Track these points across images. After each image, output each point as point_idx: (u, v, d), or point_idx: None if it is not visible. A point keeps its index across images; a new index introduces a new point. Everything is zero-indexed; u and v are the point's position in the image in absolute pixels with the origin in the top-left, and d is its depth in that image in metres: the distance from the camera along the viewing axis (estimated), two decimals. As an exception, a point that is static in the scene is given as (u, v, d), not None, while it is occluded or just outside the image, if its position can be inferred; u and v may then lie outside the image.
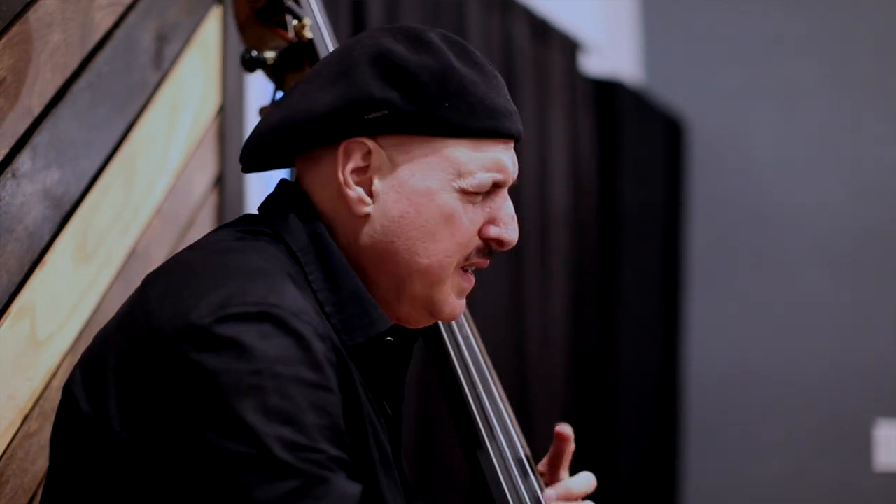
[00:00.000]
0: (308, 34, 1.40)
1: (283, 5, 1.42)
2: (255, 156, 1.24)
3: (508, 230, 1.22)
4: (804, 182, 3.91)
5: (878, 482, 3.73)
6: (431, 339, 1.37)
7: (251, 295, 1.05)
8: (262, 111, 1.43)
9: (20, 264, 1.46)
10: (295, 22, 1.41)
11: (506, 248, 1.24)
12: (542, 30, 3.23)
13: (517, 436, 1.37)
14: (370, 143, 1.17)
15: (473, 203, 1.20)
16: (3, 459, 1.43)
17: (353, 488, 1.04)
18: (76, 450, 1.10)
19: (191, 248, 1.21)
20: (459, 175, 1.18)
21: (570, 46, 3.40)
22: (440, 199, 1.18)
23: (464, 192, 1.19)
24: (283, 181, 1.27)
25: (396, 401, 1.27)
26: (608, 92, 3.61)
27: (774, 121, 3.98)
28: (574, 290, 3.35)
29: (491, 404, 1.36)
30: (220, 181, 2.00)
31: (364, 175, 1.19)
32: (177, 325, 1.04)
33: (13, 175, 1.44)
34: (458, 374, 1.35)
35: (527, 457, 1.37)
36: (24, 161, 1.46)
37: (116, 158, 1.69)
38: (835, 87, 3.88)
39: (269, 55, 1.44)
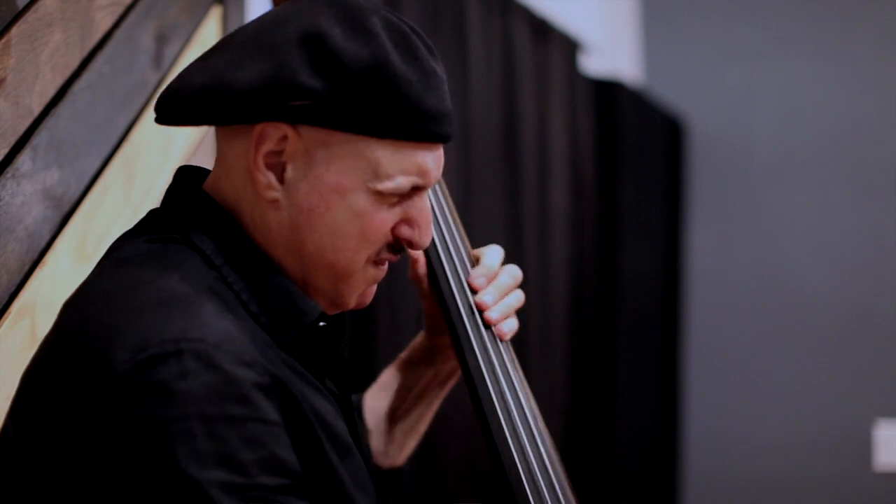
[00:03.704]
0: None
1: None
2: (170, 112, 1.15)
3: (421, 234, 1.16)
4: (804, 182, 3.91)
5: (878, 482, 3.73)
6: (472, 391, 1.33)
7: (168, 332, 1.00)
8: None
9: (20, 264, 1.46)
10: None
11: (416, 250, 1.19)
12: (542, 30, 3.23)
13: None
14: (288, 130, 1.10)
15: (388, 204, 1.14)
16: (3, 459, 1.43)
17: None
18: (6, 481, 1.06)
19: (99, 273, 1.14)
20: (376, 177, 1.12)
21: (570, 46, 3.40)
22: (352, 198, 1.12)
23: (380, 195, 1.12)
24: (181, 168, 1.21)
25: (342, 377, 1.23)
26: (608, 92, 3.61)
27: (774, 121, 3.98)
28: (574, 289, 3.35)
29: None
30: (220, 181, 2.00)
31: (277, 159, 1.12)
32: (93, 369, 0.99)
33: (13, 175, 1.43)
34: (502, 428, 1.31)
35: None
36: (24, 161, 1.45)
37: (116, 158, 1.69)
38: (835, 87, 3.88)
39: None
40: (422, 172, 1.14)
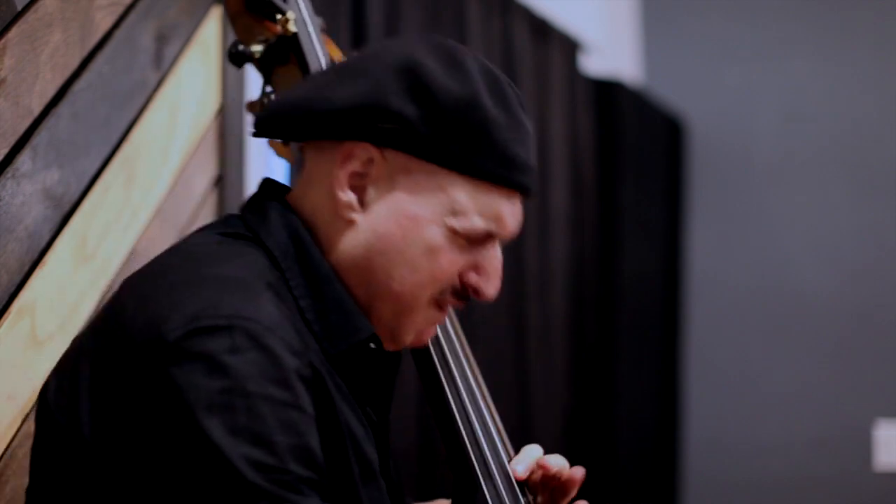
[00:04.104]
0: (292, 28, 1.39)
1: None
2: (267, 124, 1.20)
3: (489, 284, 1.18)
4: (804, 182, 3.91)
5: (878, 482, 3.73)
6: (426, 378, 1.31)
7: (224, 307, 1.02)
8: (251, 107, 1.43)
9: (20, 264, 1.46)
10: (279, 16, 1.40)
11: (480, 300, 1.19)
12: (542, 30, 3.23)
13: (505, 452, 1.30)
14: (375, 153, 1.13)
15: (460, 245, 1.15)
16: (3, 459, 1.43)
17: None
18: (52, 460, 1.09)
19: (169, 251, 1.18)
20: (454, 213, 1.13)
21: (570, 46, 3.40)
22: (428, 231, 1.13)
23: (454, 232, 1.14)
24: (265, 180, 1.24)
25: (383, 407, 1.24)
26: (608, 92, 3.61)
27: (774, 121, 3.98)
28: (574, 289, 3.35)
29: (485, 436, 1.29)
30: (220, 181, 2.00)
31: (361, 181, 1.15)
32: (148, 336, 1.02)
33: (13, 175, 1.44)
34: (453, 412, 1.28)
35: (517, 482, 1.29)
36: (24, 161, 1.46)
37: (116, 158, 1.69)
38: (835, 87, 3.88)
39: (257, 49, 1.42)
40: (498, 219, 1.15)
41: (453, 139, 1.11)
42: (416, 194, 1.13)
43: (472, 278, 1.17)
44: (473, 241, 1.16)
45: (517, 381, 2.98)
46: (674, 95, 4.05)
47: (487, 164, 1.13)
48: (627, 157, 3.67)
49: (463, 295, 1.19)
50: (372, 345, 1.17)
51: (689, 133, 4.11)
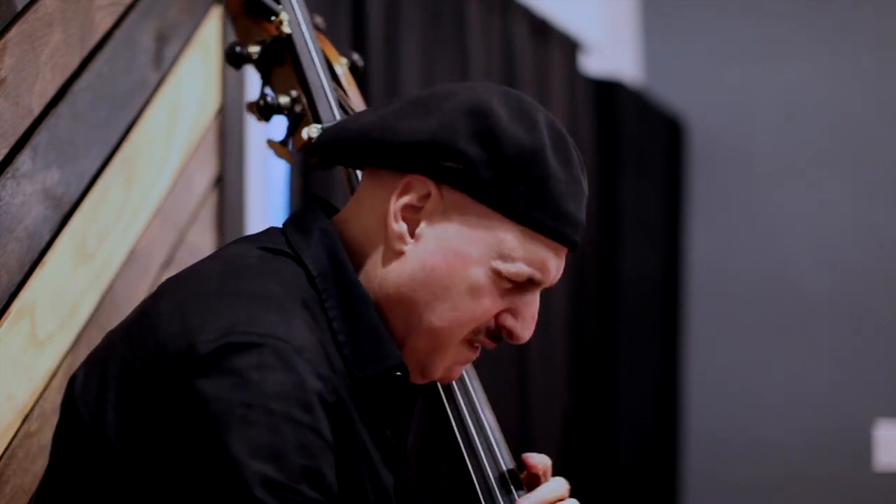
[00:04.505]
0: (286, 29, 1.39)
1: (260, 1, 1.41)
2: (329, 148, 1.22)
3: (524, 328, 1.20)
4: (804, 182, 3.91)
5: (878, 482, 3.73)
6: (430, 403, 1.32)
7: (258, 325, 1.04)
8: (250, 108, 1.43)
9: (20, 264, 1.46)
10: (273, 17, 1.40)
11: (513, 342, 1.21)
12: (542, 30, 3.23)
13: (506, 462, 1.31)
14: (433, 188, 1.15)
15: (502, 288, 1.17)
16: (3, 459, 1.43)
17: None
18: (71, 451, 1.10)
19: (211, 258, 1.20)
20: (501, 257, 1.16)
21: (570, 46, 3.40)
22: (473, 270, 1.16)
23: (498, 275, 1.16)
24: (312, 197, 1.26)
25: (402, 433, 1.25)
26: (608, 92, 3.61)
27: (774, 121, 3.98)
28: (574, 290, 3.35)
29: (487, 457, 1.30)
30: (220, 181, 2.00)
31: (414, 215, 1.17)
32: (181, 345, 1.04)
33: (13, 175, 1.44)
34: (457, 439, 1.29)
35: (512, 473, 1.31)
36: (24, 161, 1.46)
37: (116, 158, 1.69)
38: (835, 87, 3.88)
39: (254, 49, 1.43)
40: (542, 268, 1.18)
41: (513, 187, 1.14)
42: (467, 234, 1.16)
43: (509, 321, 1.20)
44: (515, 286, 1.18)
45: (517, 381, 2.98)
46: (674, 95, 4.05)
47: (542, 216, 1.15)
48: (627, 157, 3.67)
49: (496, 336, 1.21)
50: (399, 373, 1.18)
51: (689, 133, 4.11)
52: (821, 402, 3.83)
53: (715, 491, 4.00)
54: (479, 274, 1.16)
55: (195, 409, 1.01)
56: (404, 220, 1.17)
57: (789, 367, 3.90)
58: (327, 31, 1.52)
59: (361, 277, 1.19)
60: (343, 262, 1.17)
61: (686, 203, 4.12)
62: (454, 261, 1.16)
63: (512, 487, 1.29)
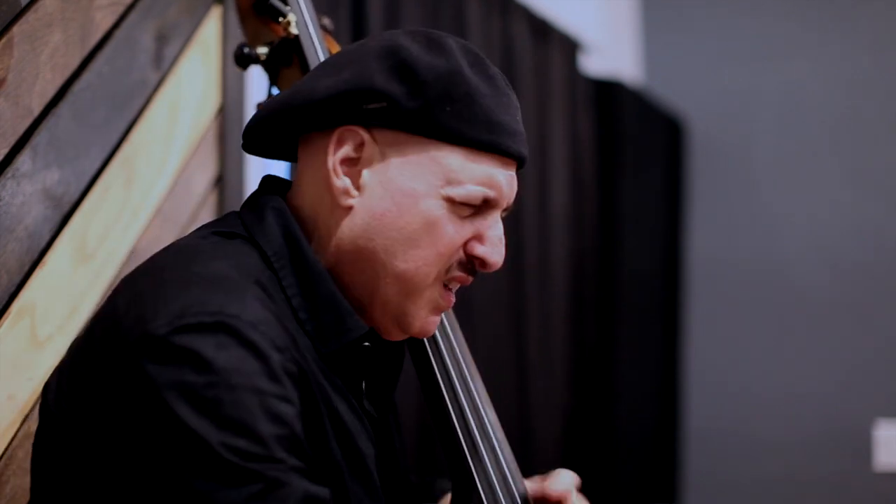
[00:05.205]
0: (294, 30, 1.40)
1: (268, 2, 1.42)
2: (256, 136, 1.21)
3: (494, 252, 1.18)
4: (804, 182, 3.91)
5: (878, 482, 3.73)
6: (424, 379, 1.31)
7: (209, 305, 1.03)
8: (260, 107, 1.43)
9: (20, 264, 1.46)
10: (280, 18, 1.41)
11: (488, 270, 1.20)
12: (542, 30, 3.23)
13: (510, 471, 1.31)
14: (364, 135, 1.15)
15: (461, 216, 1.16)
16: (3, 459, 1.43)
17: (321, 491, 1.03)
18: (49, 454, 1.10)
19: (165, 249, 1.19)
20: (448, 182, 1.14)
21: (570, 46, 3.40)
22: (425, 204, 1.14)
23: (451, 202, 1.15)
24: (266, 177, 1.25)
25: (384, 403, 1.24)
26: (608, 92, 3.61)
27: (774, 121, 3.98)
28: (574, 290, 3.35)
29: (483, 441, 1.30)
30: (220, 181, 2.00)
31: (354, 167, 1.16)
32: (136, 333, 1.03)
33: (13, 175, 1.44)
34: (452, 419, 1.29)
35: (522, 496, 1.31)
36: (24, 161, 1.46)
37: (116, 158, 1.69)
38: (835, 87, 3.88)
39: (262, 51, 1.44)
40: (493, 185, 1.16)
41: (440, 110, 1.13)
42: (409, 169, 1.15)
43: (477, 249, 1.18)
44: (472, 209, 1.16)
45: (517, 380, 2.98)
46: (674, 95, 4.06)
47: (475, 132, 1.14)
48: (627, 157, 3.67)
49: (469, 268, 1.19)
50: (366, 343, 1.17)
51: (689, 133, 4.11)
52: (821, 401, 3.83)
53: (715, 490, 4.00)
54: (432, 206, 1.15)
55: (157, 398, 1.00)
56: (345, 174, 1.16)
57: (789, 368, 3.90)
58: (331, 32, 1.53)
59: (316, 245, 1.18)
60: (297, 238, 1.16)
61: (686, 203, 4.12)
62: (403, 199, 1.14)
63: (517, 496, 1.28)
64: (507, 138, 1.16)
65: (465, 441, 1.28)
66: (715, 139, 4.08)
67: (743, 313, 3.99)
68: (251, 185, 2.11)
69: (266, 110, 1.19)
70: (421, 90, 1.13)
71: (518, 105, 1.19)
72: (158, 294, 1.06)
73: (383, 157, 1.15)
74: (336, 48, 1.47)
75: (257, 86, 2.07)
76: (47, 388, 1.12)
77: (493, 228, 1.18)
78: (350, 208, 1.16)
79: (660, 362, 3.98)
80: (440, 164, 1.14)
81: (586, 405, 3.44)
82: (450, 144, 1.14)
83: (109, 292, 1.65)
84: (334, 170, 1.16)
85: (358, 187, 1.16)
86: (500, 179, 1.17)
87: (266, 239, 1.16)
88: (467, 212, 1.16)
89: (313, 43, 1.41)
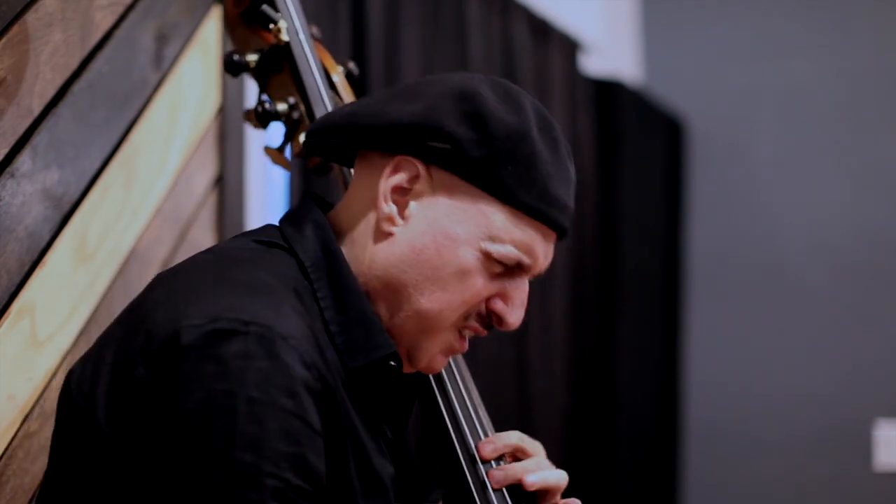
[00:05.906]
0: (284, 37, 1.40)
1: (258, 9, 1.42)
2: (317, 139, 1.22)
3: (513, 313, 1.20)
4: (804, 182, 3.91)
5: (878, 482, 3.73)
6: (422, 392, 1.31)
7: (244, 312, 1.04)
8: (247, 115, 1.44)
9: (20, 264, 1.46)
10: (271, 25, 1.41)
11: (503, 329, 1.21)
12: (542, 30, 3.23)
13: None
14: (421, 169, 1.16)
15: (492, 271, 1.17)
16: (3, 459, 1.43)
17: None
18: (68, 442, 1.11)
19: (205, 252, 1.21)
20: (490, 238, 1.16)
21: (570, 46, 3.40)
22: (462, 251, 1.16)
23: (487, 256, 1.16)
24: (307, 193, 1.27)
25: (400, 425, 1.25)
26: (608, 92, 3.61)
27: (774, 121, 3.98)
28: (574, 290, 3.35)
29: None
30: (220, 181, 2.00)
31: (403, 196, 1.17)
32: (167, 330, 1.04)
33: (13, 175, 1.44)
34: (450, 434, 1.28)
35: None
36: (24, 161, 1.46)
37: (116, 158, 1.69)
38: (835, 87, 3.88)
39: (252, 58, 1.44)
40: (530, 252, 1.18)
41: (501, 166, 1.14)
42: (456, 214, 1.16)
43: (498, 305, 1.19)
44: (504, 268, 1.18)
45: (517, 380, 2.98)
46: (674, 95, 4.05)
47: (529, 197, 1.15)
48: (627, 157, 3.67)
49: (486, 321, 1.21)
50: (392, 363, 1.18)
51: (689, 133, 4.11)
52: (821, 401, 3.83)
53: (715, 490, 4.00)
54: (469, 255, 1.16)
55: (178, 397, 1.01)
56: (394, 202, 1.17)
57: (789, 367, 3.90)
58: (327, 33, 1.53)
59: (351, 261, 1.19)
60: (335, 252, 1.18)
61: (686, 203, 4.12)
62: (443, 241, 1.16)
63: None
64: (557, 211, 1.17)
65: (460, 447, 1.27)
66: (715, 139, 4.08)
67: (743, 313, 3.99)
68: (251, 185, 2.11)
69: (334, 118, 1.21)
70: (488, 142, 1.14)
71: (575, 179, 1.21)
72: (195, 293, 1.07)
73: (434, 194, 1.16)
74: (326, 56, 1.47)
75: (256, 88, 2.07)
76: (71, 373, 1.13)
77: (519, 291, 1.20)
78: (390, 235, 1.17)
79: (660, 362, 3.98)
80: (487, 217, 1.16)
81: (586, 405, 3.44)
82: (501, 202, 1.15)
83: (110, 293, 1.65)
84: (385, 194, 1.17)
85: (403, 217, 1.17)
86: (539, 249, 1.18)
87: (304, 250, 1.18)
88: (499, 269, 1.18)
89: (304, 49, 1.41)
